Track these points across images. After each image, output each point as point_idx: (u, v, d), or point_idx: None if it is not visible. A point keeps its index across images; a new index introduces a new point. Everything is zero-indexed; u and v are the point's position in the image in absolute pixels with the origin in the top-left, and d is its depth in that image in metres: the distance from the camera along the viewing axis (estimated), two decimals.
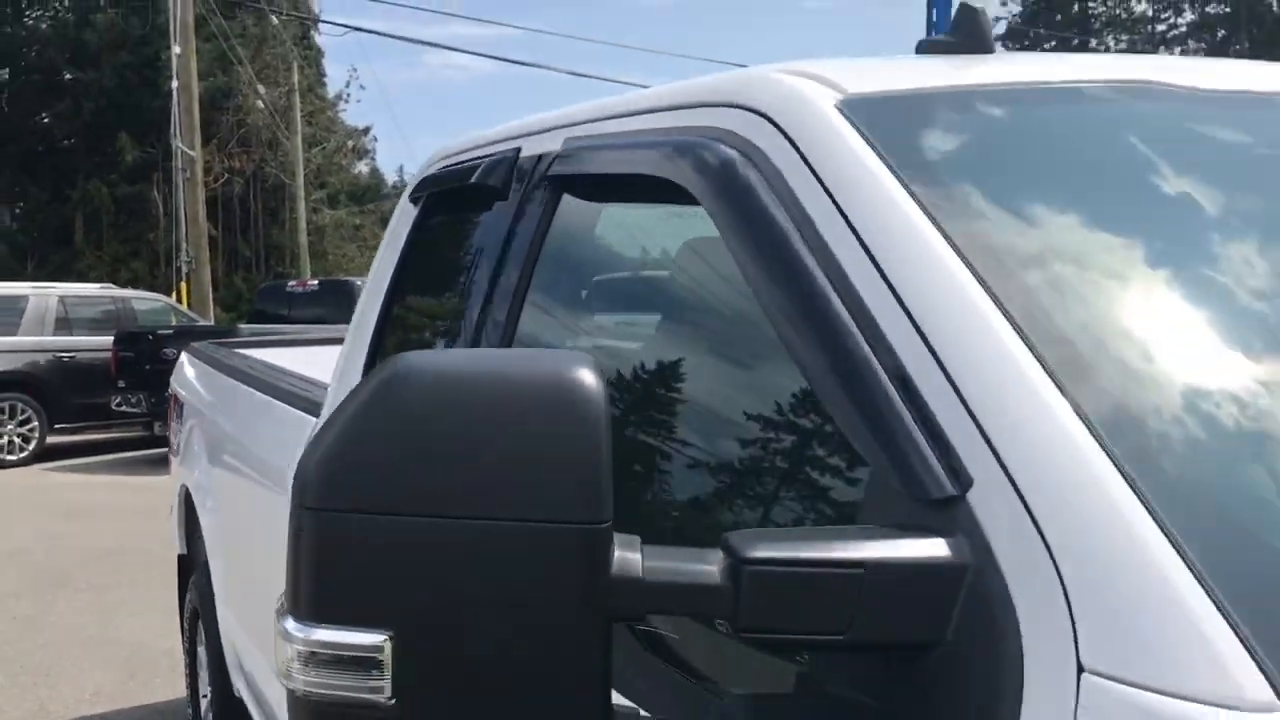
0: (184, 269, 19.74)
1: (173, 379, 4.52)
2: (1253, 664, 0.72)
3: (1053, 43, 50.69)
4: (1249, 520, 0.85)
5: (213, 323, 17.77)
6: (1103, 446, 0.84)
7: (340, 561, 0.84)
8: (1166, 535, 0.79)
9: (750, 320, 1.20)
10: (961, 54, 1.45)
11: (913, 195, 1.08)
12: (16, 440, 12.33)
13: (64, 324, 12.80)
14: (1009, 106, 1.28)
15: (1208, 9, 48.39)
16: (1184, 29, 49.66)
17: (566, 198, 1.71)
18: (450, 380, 0.85)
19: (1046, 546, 0.81)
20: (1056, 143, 1.25)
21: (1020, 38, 51.46)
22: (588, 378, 0.85)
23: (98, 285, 15.26)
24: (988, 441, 0.88)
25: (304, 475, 0.85)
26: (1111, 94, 1.31)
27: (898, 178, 1.10)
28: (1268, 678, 0.71)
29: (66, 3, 33.47)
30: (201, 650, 3.92)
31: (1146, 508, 0.80)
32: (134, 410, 12.12)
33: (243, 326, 13.61)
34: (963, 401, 0.91)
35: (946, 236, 1.03)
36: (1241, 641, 0.73)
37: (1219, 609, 0.74)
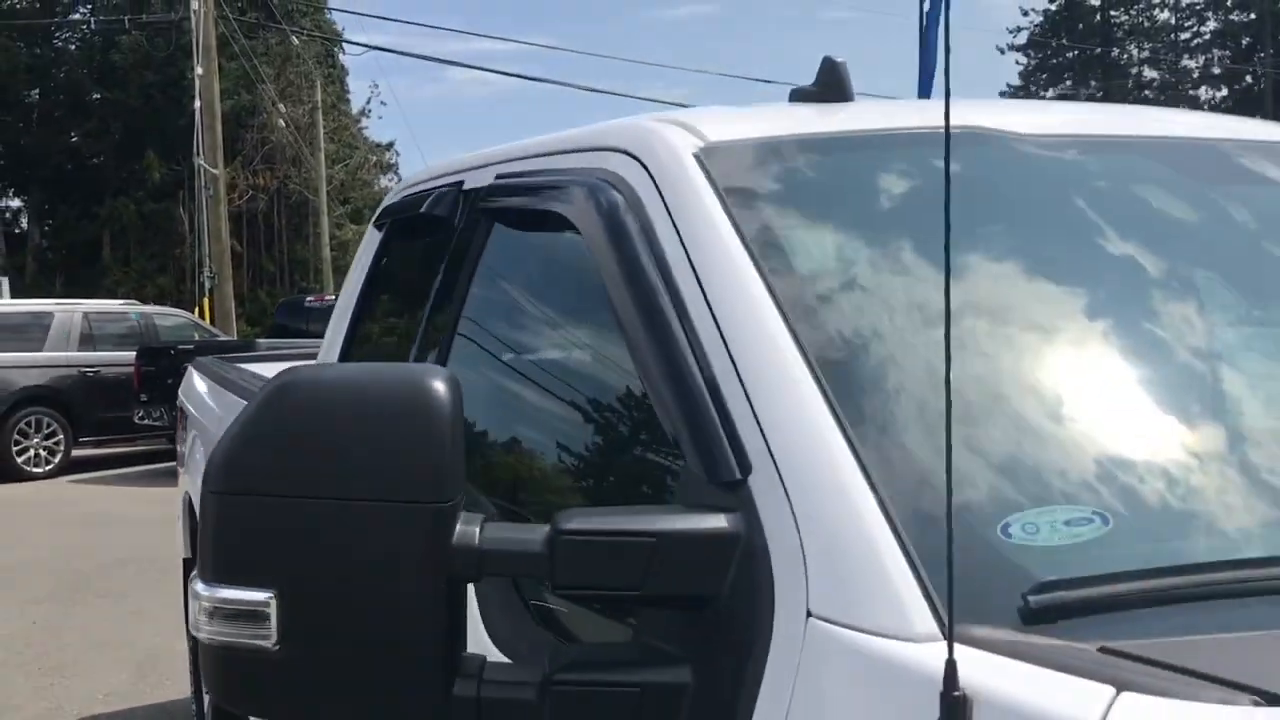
0: (207, 284, 20.11)
1: (180, 392, 4.76)
2: (928, 610, 0.92)
3: (1074, 53, 50.66)
4: (945, 505, 1.05)
5: (235, 337, 18.10)
6: (850, 446, 1.04)
7: (235, 534, 1.05)
8: (884, 513, 0.99)
9: (608, 337, 1.41)
10: (826, 102, 1.65)
11: (738, 231, 1.29)
12: (43, 453, 12.66)
13: (88, 340, 13.13)
14: (841, 152, 1.49)
15: (1231, 16, 48.24)
16: (1207, 36, 49.53)
17: (498, 226, 1.92)
18: (325, 390, 1.07)
19: (795, 519, 1.01)
20: (873, 183, 1.45)
21: (1042, 48, 51.46)
22: (438, 387, 1.06)
23: (121, 301, 15.60)
24: (764, 438, 1.08)
25: (210, 466, 1.06)
26: (937, 138, 1.51)
27: (729, 215, 1.31)
28: (937, 619, 0.91)
29: (94, 25, 34.07)
30: None
31: (874, 491, 1.00)
32: (156, 423, 12.41)
33: (260, 341, 13.90)
34: (751, 406, 1.11)
35: (759, 269, 1.24)
36: (924, 593, 0.93)
37: (912, 568, 0.94)
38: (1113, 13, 51.23)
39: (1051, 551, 0.98)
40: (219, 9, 21.84)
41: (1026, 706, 0.80)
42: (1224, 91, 48.97)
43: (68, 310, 13.41)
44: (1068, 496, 1.05)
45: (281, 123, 32.45)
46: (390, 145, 51.93)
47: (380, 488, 1.03)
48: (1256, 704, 0.76)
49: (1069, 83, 50.19)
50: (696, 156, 1.43)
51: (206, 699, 4.14)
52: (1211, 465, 1.11)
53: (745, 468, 1.08)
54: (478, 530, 1.06)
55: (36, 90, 33.90)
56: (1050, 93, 51.47)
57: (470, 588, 1.36)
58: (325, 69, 38.93)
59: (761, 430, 1.08)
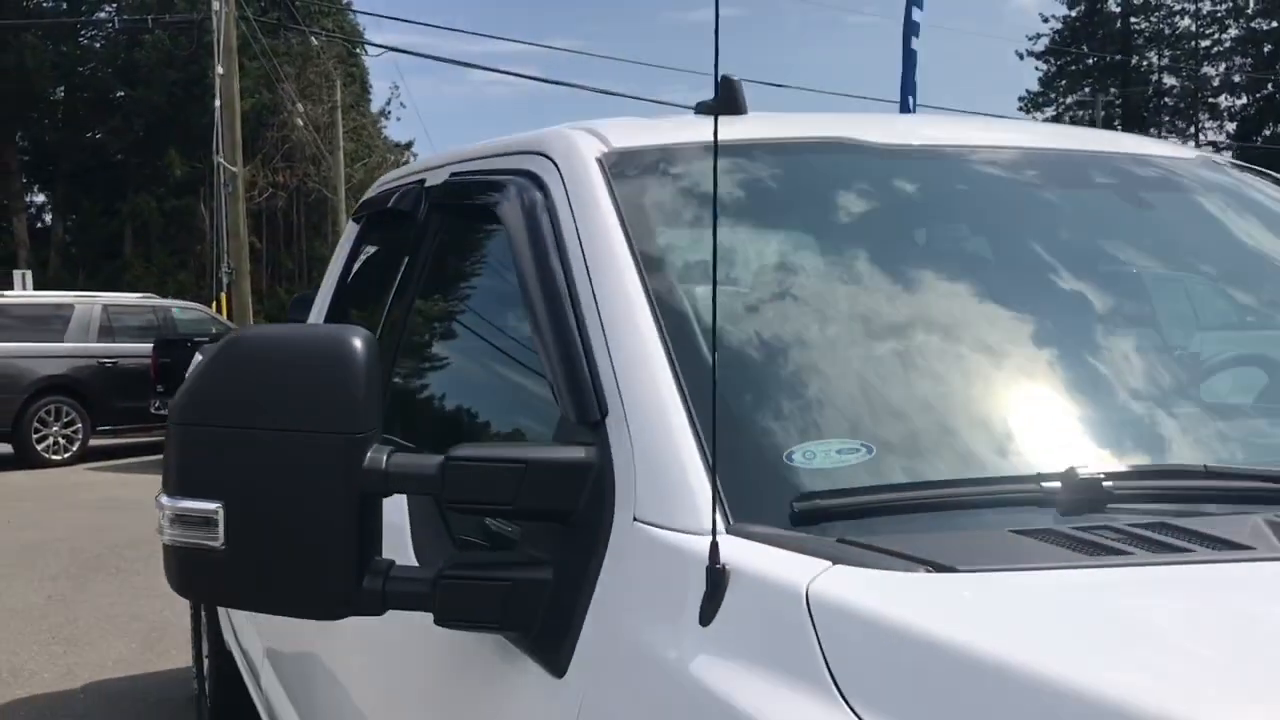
0: (225, 280, 20.49)
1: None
2: (719, 513, 1.18)
3: (1094, 60, 50.62)
4: (749, 438, 1.31)
5: None
6: (681, 396, 1.31)
7: (192, 456, 1.32)
8: (697, 446, 1.25)
9: (521, 314, 1.68)
10: (724, 114, 1.92)
11: (622, 225, 1.56)
12: (61, 441, 13.04)
13: (107, 332, 13.50)
14: (723, 158, 1.75)
15: (1253, 24, 48.16)
16: (1228, 44, 49.45)
17: (448, 219, 2.20)
18: (266, 343, 1.34)
19: (632, 451, 1.28)
20: (739, 183, 1.72)
21: (1061, 54, 51.43)
22: (356, 343, 1.32)
23: (139, 295, 15.97)
24: (619, 391, 1.35)
25: (174, 402, 1.34)
26: (809, 148, 1.78)
27: (617, 211, 1.58)
28: (727, 520, 1.17)
29: (118, 24, 34.57)
30: (204, 616, 4.44)
31: (691, 430, 1.27)
32: None
33: None
34: (612, 367, 1.38)
35: (633, 257, 1.50)
36: (720, 501, 1.19)
37: (712, 484, 1.20)
38: (1133, 19, 51.22)
39: (823, 472, 1.25)
40: (240, 10, 22.20)
41: (765, 574, 1.06)
42: (1244, 100, 48.92)
43: (87, 303, 13.77)
44: (845, 433, 1.31)
45: (300, 122, 32.83)
46: (409, 145, 52.38)
47: (307, 421, 1.30)
48: (928, 571, 1.02)
49: (1088, 90, 50.15)
50: (599, 160, 1.70)
51: (206, 663, 4.43)
52: (958, 410, 1.38)
53: (603, 411, 1.35)
54: (385, 457, 1.32)
55: (62, 88, 34.43)
56: (1070, 99, 51.51)
57: (408, 530, 1.64)
58: (346, 69, 39.37)
59: (618, 386, 1.35)
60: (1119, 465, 1.28)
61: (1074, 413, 1.40)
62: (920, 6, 8.88)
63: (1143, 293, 1.74)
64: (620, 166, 1.68)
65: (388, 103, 44.79)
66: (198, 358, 3.98)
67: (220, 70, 19.93)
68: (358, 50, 42.89)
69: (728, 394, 1.34)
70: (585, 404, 1.37)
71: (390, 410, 1.85)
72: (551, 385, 1.46)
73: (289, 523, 1.30)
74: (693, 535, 1.16)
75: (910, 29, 8.91)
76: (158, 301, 15.16)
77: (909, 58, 8.93)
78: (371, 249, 2.75)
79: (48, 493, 11.04)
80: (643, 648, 1.15)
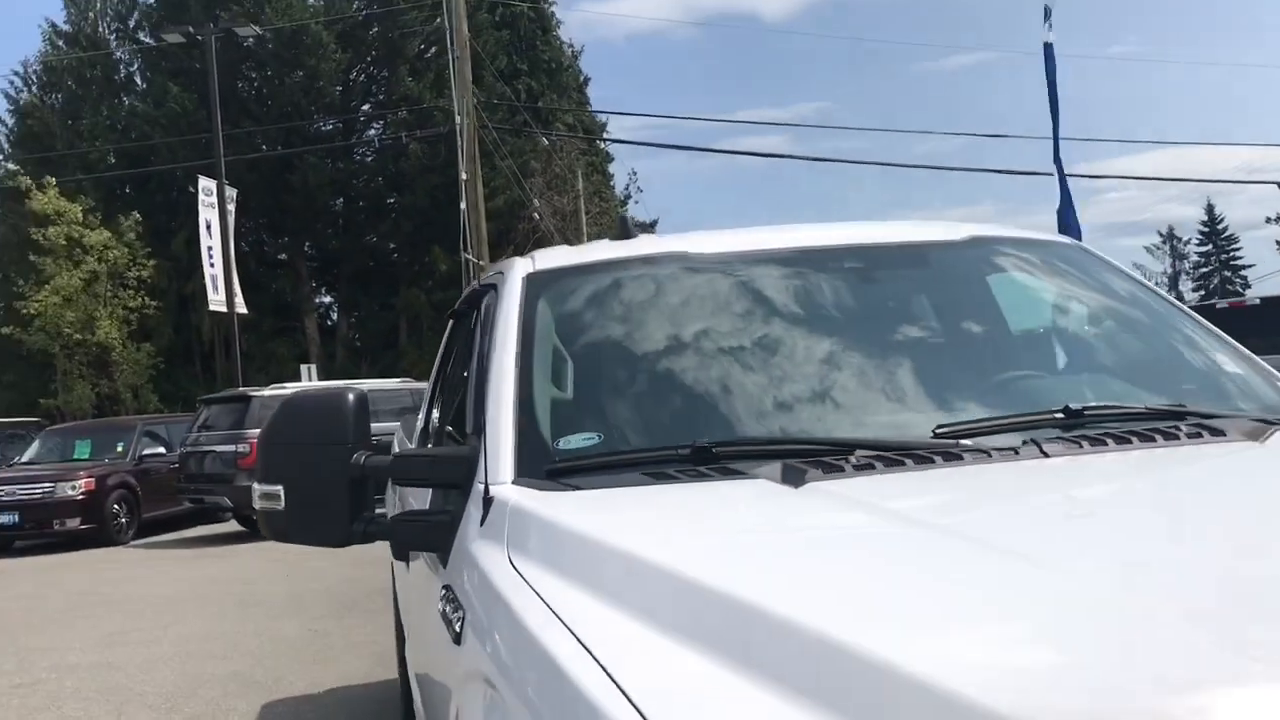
0: None
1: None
2: (514, 474, 2.20)
3: None
4: (544, 436, 2.33)
5: None
6: (516, 416, 2.35)
7: (268, 460, 2.47)
8: (515, 445, 2.29)
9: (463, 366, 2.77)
10: (618, 239, 2.96)
11: (521, 314, 2.62)
12: None
13: (374, 414, 15.51)
14: (602, 273, 2.79)
15: None
16: None
17: (462, 317, 3.33)
18: (304, 399, 2.49)
19: (485, 448, 2.33)
20: (615, 292, 2.74)
21: None
22: (350, 397, 2.45)
23: (398, 380, 18.10)
24: (486, 415, 2.41)
25: (260, 431, 2.50)
26: (656, 260, 2.79)
27: (521, 305, 2.65)
28: (516, 477, 2.20)
29: (379, 142, 38.48)
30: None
31: (516, 437, 2.31)
32: None
33: None
34: (487, 403, 2.44)
35: (520, 333, 2.56)
36: (515, 467, 2.21)
37: (516, 460, 2.23)
38: None
39: (572, 451, 2.26)
40: (480, 121, 24.63)
41: (504, 497, 2.08)
42: None
43: (352, 389, 15.87)
44: (585, 429, 2.33)
45: (537, 216, 35.27)
46: (653, 224, 54.75)
47: (323, 439, 2.42)
48: (570, 490, 2.02)
49: None
50: (525, 276, 2.78)
51: (412, 674, 5.68)
52: (651, 417, 2.36)
53: (479, 429, 2.41)
54: (363, 457, 2.43)
55: (340, 199, 38.50)
56: None
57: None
58: (588, 159, 42.04)
59: (487, 416, 2.41)
60: (725, 436, 2.23)
61: (717, 408, 2.36)
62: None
63: (841, 339, 2.62)
64: (536, 278, 2.77)
65: (626, 186, 47.12)
66: None
67: (464, 176, 22.25)
68: (597, 141, 45.78)
69: (543, 415, 2.38)
70: (474, 424, 2.45)
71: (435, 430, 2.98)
72: (471, 417, 2.55)
73: (315, 495, 2.42)
74: (499, 485, 2.20)
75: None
76: (414, 385, 17.18)
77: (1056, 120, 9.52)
78: (451, 342, 3.93)
79: (323, 551, 12.92)
80: (466, 542, 2.19)
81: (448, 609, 2.15)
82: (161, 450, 17.67)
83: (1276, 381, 2.61)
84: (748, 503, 1.93)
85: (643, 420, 2.38)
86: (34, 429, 20.14)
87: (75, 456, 17.27)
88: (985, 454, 2.03)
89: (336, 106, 37.96)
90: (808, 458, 2.04)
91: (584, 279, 2.82)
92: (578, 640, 1.44)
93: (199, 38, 23.43)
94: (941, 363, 2.54)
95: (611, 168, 48.50)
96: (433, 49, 36.69)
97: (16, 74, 37.44)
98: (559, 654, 1.43)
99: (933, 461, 2.00)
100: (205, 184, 22.14)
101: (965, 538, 1.58)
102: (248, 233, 38.48)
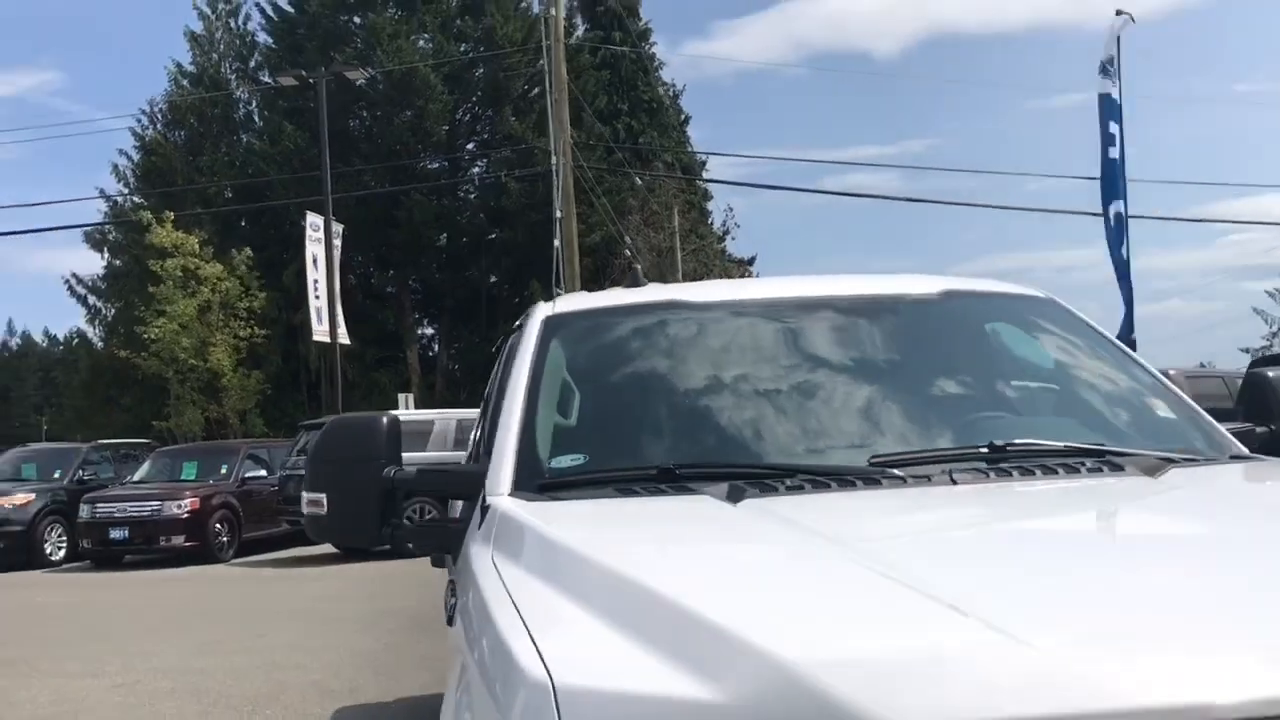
0: None
1: None
2: (511, 488, 2.60)
3: None
4: (539, 457, 2.72)
5: None
6: (519, 443, 2.75)
7: (315, 471, 2.91)
8: (514, 464, 2.69)
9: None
10: (629, 287, 3.36)
11: (535, 353, 3.02)
12: None
13: (460, 441, 16.12)
14: (606, 317, 3.19)
15: None
16: None
17: (507, 353, 3.74)
18: (344, 421, 2.93)
19: (492, 467, 2.73)
20: (616, 333, 3.13)
21: None
22: (384, 420, 2.88)
23: None
24: (497, 441, 2.81)
25: (309, 449, 2.95)
26: (653, 307, 3.18)
27: (537, 345, 3.05)
28: (513, 490, 2.60)
29: (477, 180, 39.62)
30: None
31: (516, 459, 2.71)
32: None
33: None
34: (498, 429, 2.85)
35: (532, 370, 2.96)
36: (513, 483, 2.61)
37: (514, 479, 2.63)
38: None
39: (560, 470, 2.65)
40: (575, 160, 25.34)
41: (498, 507, 2.48)
42: None
43: (446, 418, 16.55)
44: (579, 451, 2.71)
45: (629, 253, 35.86)
46: (751, 261, 55.08)
47: (360, 456, 2.85)
48: (558, 500, 2.41)
49: None
50: (546, 318, 3.20)
51: None
52: (629, 446, 2.73)
53: (489, 449, 2.82)
54: (393, 472, 2.85)
55: (444, 235, 39.69)
56: None
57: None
58: (686, 196, 42.65)
59: (497, 440, 2.81)
60: (690, 460, 2.59)
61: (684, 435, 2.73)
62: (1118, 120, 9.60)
63: (814, 378, 2.96)
64: (553, 320, 3.17)
65: (724, 223, 47.58)
66: None
67: (559, 214, 22.93)
68: (697, 179, 46.39)
69: (544, 439, 2.77)
70: (487, 446, 2.85)
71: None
72: (486, 440, 2.96)
73: (351, 502, 2.85)
74: (499, 497, 2.59)
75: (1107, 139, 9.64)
76: None
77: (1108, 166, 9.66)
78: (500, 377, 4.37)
79: (407, 574, 13.49)
80: (468, 542, 2.59)
81: (448, 598, 2.55)
82: (263, 473, 18.54)
83: (1205, 428, 2.88)
84: (688, 513, 2.30)
85: (625, 445, 2.77)
86: (145, 450, 21.23)
87: (182, 477, 18.22)
88: (902, 480, 2.37)
89: (443, 145, 39.20)
90: (755, 480, 2.40)
91: (593, 322, 3.22)
92: (518, 614, 1.82)
93: (310, 80, 24.60)
94: (893, 402, 2.87)
95: (710, 205, 49.10)
96: (535, 89, 37.68)
97: (143, 112, 39.47)
98: (501, 625, 1.81)
99: (855, 485, 2.35)
100: (313, 220, 23.21)
101: (832, 539, 1.93)
102: (355, 266, 39.88)
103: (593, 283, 37.87)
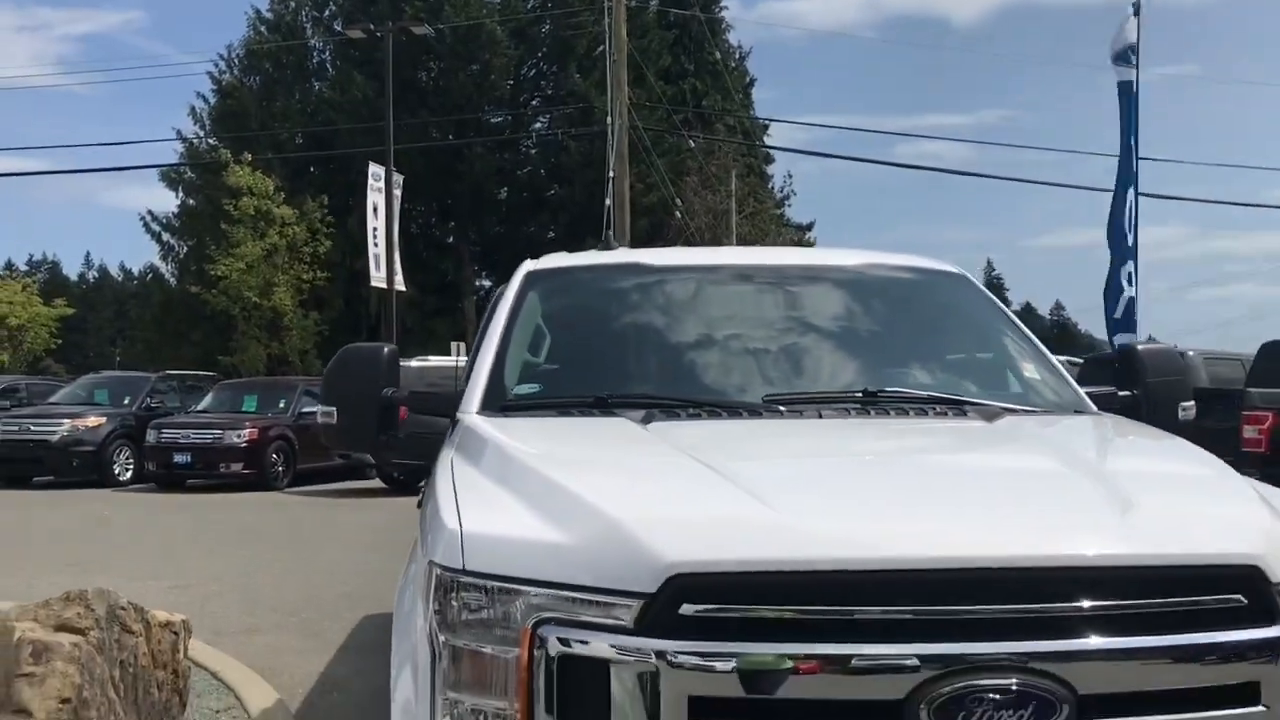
0: None
1: None
2: (479, 406, 3.26)
3: None
4: (505, 386, 3.37)
5: None
6: (490, 373, 3.40)
7: (329, 389, 3.58)
8: (484, 390, 3.34)
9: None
10: (602, 250, 3.99)
11: (514, 301, 3.67)
12: None
13: None
14: (576, 274, 3.83)
15: None
16: None
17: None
18: (352, 349, 3.60)
19: (468, 391, 3.39)
20: (582, 287, 3.76)
21: None
22: (384, 350, 3.55)
23: None
24: (474, 368, 3.47)
25: (325, 371, 3.63)
26: (616, 268, 3.80)
27: (516, 294, 3.70)
28: (481, 409, 3.26)
29: (535, 139, 40.20)
30: None
31: (486, 385, 3.36)
32: None
33: None
34: (478, 361, 3.51)
35: (510, 313, 3.61)
36: (482, 403, 3.27)
37: (483, 401, 3.28)
38: None
39: (520, 395, 3.29)
40: (631, 122, 25.85)
41: (464, 420, 3.13)
42: None
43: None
44: (540, 382, 3.36)
45: (679, 214, 36.25)
46: (809, 226, 55.17)
47: (364, 379, 3.52)
48: (505, 415, 3.06)
49: None
50: (528, 273, 3.84)
51: None
52: (580, 379, 3.37)
53: (469, 377, 3.47)
54: (390, 392, 3.51)
55: (505, 189, 40.42)
56: None
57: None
58: (746, 160, 42.92)
59: (474, 367, 3.46)
60: (622, 392, 3.21)
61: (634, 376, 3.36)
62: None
63: (743, 334, 3.57)
64: (533, 275, 3.82)
65: (783, 188, 47.80)
66: None
67: (612, 173, 23.50)
68: (758, 141, 46.60)
69: (512, 371, 3.42)
70: (467, 375, 3.51)
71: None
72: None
73: (356, 416, 3.52)
74: (464, 414, 3.24)
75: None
76: None
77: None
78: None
79: None
80: (441, 450, 3.24)
81: (424, 494, 3.22)
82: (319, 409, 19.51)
83: (1062, 389, 3.45)
84: (603, 428, 2.94)
85: (574, 378, 3.41)
86: (209, 382, 22.30)
87: (243, 409, 19.20)
88: (780, 413, 2.99)
89: (506, 100, 39.83)
90: (668, 408, 3.03)
91: (565, 277, 3.86)
92: (454, 492, 2.47)
93: (378, 34, 25.33)
94: (799, 353, 3.48)
95: (771, 169, 49.29)
96: (599, 48, 38.12)
97: (221, 56, 40.57)
98: (441, 500, 2.47)
99: (742, 415, 2.98)
100: (374, 170, 24.02)
101: (692, 448, 2.55)
102: (418, 217, 40.79)
103: (648, 243, 38.47)
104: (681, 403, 3.10)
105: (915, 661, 1.89)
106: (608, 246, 4.11)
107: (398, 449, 3.54)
